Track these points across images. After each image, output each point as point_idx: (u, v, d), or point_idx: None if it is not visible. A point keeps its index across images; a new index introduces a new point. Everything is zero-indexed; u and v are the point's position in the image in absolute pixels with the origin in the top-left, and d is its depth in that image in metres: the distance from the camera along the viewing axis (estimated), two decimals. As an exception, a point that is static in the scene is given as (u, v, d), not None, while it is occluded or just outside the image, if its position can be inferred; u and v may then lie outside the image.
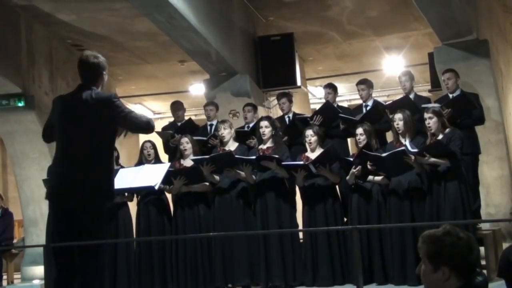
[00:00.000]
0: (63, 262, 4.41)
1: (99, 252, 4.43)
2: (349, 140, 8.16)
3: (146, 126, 4.58)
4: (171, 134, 7.97)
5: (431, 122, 6.22)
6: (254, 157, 6.72)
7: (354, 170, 6.44)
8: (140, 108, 15.88)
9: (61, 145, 4.50)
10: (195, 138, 7.43)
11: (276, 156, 6.62)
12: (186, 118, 8.89)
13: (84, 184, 4.37)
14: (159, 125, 11.90)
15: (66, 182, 4.42)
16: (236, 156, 6.80)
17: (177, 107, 8.71)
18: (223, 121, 7.29)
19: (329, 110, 7.57)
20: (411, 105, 6.96)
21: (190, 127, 8.05)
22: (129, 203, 7.38)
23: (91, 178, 4.39)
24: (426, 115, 6.26)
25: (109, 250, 6.88)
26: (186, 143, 7.14)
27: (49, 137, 4.74)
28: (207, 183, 7.01)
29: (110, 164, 4.57)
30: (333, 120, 7.47)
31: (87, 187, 4.37)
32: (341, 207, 6.81)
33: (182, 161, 7.15)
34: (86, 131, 4.41)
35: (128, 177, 6.67)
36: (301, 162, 6.65)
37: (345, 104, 11.70)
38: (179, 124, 8.40)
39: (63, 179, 4.44)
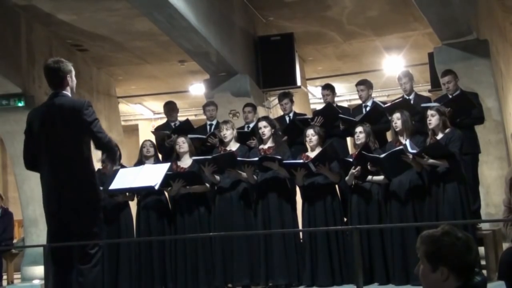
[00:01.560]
0: (61, 263, 4.43)
1: (94, 253, 4.47)
2: (348, 139, 8.16)
3: (107, 144, 4.61)
4: (167, 134, 7.96)
5: (433, 119, 6.21)
6: (256, 158, 6.72)
7: (354, 171, 6.45)
8: (140, 108, 15.89)
9: (44, 154, 4.56)
10: (194, 136, 7.42)
11: (279, 157, 6.62)
12: (184, 118, 8.88)
13: (68, 190, 4.44)
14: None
15: (52, 190, 4.49)
16: (238, 158, 6.81)
17: (172, 108, 8.70)
18: (225, 122, 7.27)
19: (330, 111, 7.58)
20: (409, 107, 6.96)
21: (187, 128, 8.05)
22: (130, 203, 7.37)
23: (74, 183, 4.46)
24: (429, 112, 6.25)
25: (110, 251, 6.89)
26: (182, 143, 7.14)
27: (31, 165, 4.76)
28: (205, 185, 7.01)
29: (91, 165, 4.64)
30: (334, 121, 7.48)
31: (71, 193, 4.44)
32: (340, 205, 6.81)
33: (178, 162, 7.14)
34: (65, 136, 4.50)
35: (129, 177, 6.67)
36: (301, 161, 6.66)
37: (345, 104, 11.72)
38: (172, 124, 8.40)
39: (50, 188, 4.51)
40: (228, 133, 7.09)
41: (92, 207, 4.56)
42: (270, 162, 6.64)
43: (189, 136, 7.39)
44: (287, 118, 8.02)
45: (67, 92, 4.62)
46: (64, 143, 4.51)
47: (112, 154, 4.80)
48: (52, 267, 4.51)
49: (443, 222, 5.76)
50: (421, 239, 2.51)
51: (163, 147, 7.97)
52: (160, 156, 8.07)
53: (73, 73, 4.69)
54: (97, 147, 4.69)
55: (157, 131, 8.55)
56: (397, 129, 6.46)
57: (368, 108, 7.62)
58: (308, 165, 6.53)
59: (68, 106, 4.53)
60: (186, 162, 7.08)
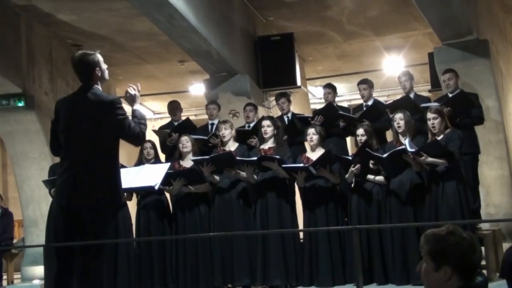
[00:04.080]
0: (64, 261, 4.40)
1: (99, 252, 4.42)
2: (348, 139, 8.17)
3: (138, 134, 4.53)
4: (168, 133, 7.96)
5: (435, 122, 6.19)
6: (255, 158, 6.72)
7: (353, 169, 6.45)
8: (140, 108, 15.87)
9: (66, 147, 4.49)
10: (196, 137, 7.42)
11: (278, 156, 6.62)
12: (185, 118, 8.88)
13: (87, 185, 4.36)
14: (159, 125, 11.90)
15: (70, 183, 4.41)
16: (238, 158, 6.80)
17: (174, 107, 8.71)
18: (224, 121, 7.29)
19: (330, 110, 7.58)
20: (411, 105, 6.98)
21: (187, 127, 8.05)
22: (129, 203, 7.37)
23: (96, 179, 4.39)
24: (430, 115, 6.23)
25: (109, 250, 6.88)
26: (186, 142, 7.14)
27: (57, 151, 4.71)
28: (207, 184, 7.01)
29: (115, 165, 4.53)
30: (334, 120, 7.48)
31: (91, 188, 4.36)
32: (341, 208, 6.80)
33: (181, 162, 7.14)
34: (90, 132, 4.41)
35: (128, 177, 6.65)
36: (301, 165, 6.66)
37: (345, 104, 11.72)
38: (175, 123, 8.40)
39: (67, 180, 4.43)
40: (226, 132, 7.09)
41: (111, 206, 4.51)
42: (269, 162, 6.63)
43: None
44: (286, 119, 8.01)
45: (98, 86, 4.51)
46: (90, 140, 4.40)
47: (139, 142, 4.79)
48: (53, 267, 4.47)
49: (443, 222, 5.76)
50: (426, 238, 2.51)
51: (166, 146, 7.98)
52: (164, 155, 8.09)
53: (101, 62, 4.55)
54: (129, 141, 4.60)
55: (159, 130, 8.55)
56: (400, 130, 6.45)
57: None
58: (309, 169, 6.53)
59: (98, 102, 4.41)
60: (189, 161, 7.08)
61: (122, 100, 4.82)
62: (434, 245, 2.46)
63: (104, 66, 4.58)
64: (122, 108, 4.50)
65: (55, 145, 4.62)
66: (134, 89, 4.81)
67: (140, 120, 4.65)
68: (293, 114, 8.18)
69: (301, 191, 7.10)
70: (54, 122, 4.60)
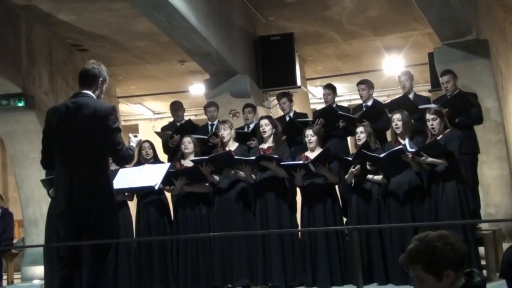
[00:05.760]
0: (68, 261, 4.42)
1: (107, 254, 4.44)
2: (348, 139, 8.17)
3: (122, 157, 4.54)
4: (170, 134, 7.97)
5: (434, 123, 6.19)
6: (253, 157, 6.72)
7: (353, 170, 6.45)
8: (140, 108, 15.90)
9: (61, 152, 4.51)
10: (196, 136, 7.43)
11: (276, 156, 6.62)
12: (186, 118, 8.90)
13: (86, 190, 4.39)
14: (159, 125, 11.91)
15: (68, 190, 4.43)
16: (236, 157, 6.80)
17: (177, 107, 8.72)
18: (223, 122, 7.29)
19: (330, 112, 7.59)
20: (409, 104, 6.99)
21: (189, 128, 8.05)
22: (129, 203, 7.37)
23: (93, 182, 4.41)
24: (429, 116, 6.23)
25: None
26: (188, 143, 7.14)
27: (47, 165, 4.73)
28: (207, 184, 7.01)
29: (107, 168, 4.59)
30: (334, 122, 7.49)
31: (90, 192, 4.39)
32: (340, 207, 6.81)
33: (183, 162, 7.15)
34: (85, 137, 4.44)
35: (128, 177, 6.67)
36: (300, 162, 6.66)
37: (345, 104, 11.72)
38: (178, 124, 8.40)
39: (64, 188, 4.45)
40: (226, 133, 7.10)
41: (111, 206, 4.53)
42: (267, 161, 6.63)
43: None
44: (288, 118, 8.02)
45: (93, 94, 4.55)
46: (82, 143, 4.43)
47: (121, 163, 4.87)
48: (59, 270, 4.47)
49: (443, 222, 5.76)
50: (416, 256, 2.48)
51: (168, 147, 7.99)
52: (166, 156, 8.08)
53: (106, 82, 4.65)
54: (112, 157, 4.64)
55: (162, 131, 8.57)
56: (399, 131, 6.44)
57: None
58: (308, 166, 6.53)
59: (92, 107, 4.44)
60: (190, 161, 7.07)
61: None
62: (427, 258, 2.45)
63: (105, 87, 4.66)
64: (116, 118, 4.54)
65: (45, 157, 4.65)
66: (137, 136, 4.89)
67: (130, 147, 4.69)
68: (295, 113, 8.18)
69: (300, 190, 7.10)
70: (45, 132, 4.63)
